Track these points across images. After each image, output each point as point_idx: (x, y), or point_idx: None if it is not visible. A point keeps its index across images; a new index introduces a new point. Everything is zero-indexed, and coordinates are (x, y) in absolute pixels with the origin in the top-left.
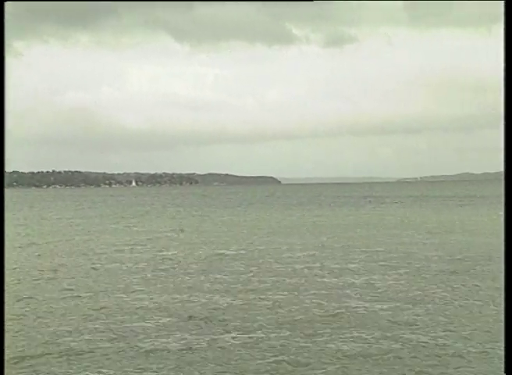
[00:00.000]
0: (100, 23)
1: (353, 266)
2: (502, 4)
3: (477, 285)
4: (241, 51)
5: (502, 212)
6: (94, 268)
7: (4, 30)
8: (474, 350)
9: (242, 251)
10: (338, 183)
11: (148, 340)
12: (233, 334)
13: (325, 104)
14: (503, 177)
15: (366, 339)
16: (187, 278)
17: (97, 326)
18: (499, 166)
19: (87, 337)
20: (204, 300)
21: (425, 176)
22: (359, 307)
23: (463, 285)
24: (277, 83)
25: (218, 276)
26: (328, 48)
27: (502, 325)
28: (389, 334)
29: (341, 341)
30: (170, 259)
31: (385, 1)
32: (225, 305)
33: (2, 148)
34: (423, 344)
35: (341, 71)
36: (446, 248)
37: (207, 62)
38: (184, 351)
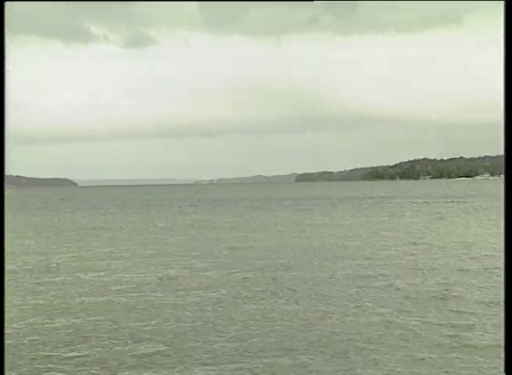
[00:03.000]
0: None
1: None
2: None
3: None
4: (36, 47)
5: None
6: None
7: (4, 30)
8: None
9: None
10: (136, 186)
11: None
12: None
13: (126, 105)
14: (293, 180)
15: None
16: None
17: None
18: (290, 168)
19: None
20: None
21: (222, 179)
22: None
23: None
24: (75, 83)
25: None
26: (127, 49)
27: (502, 325)
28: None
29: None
30: None
31: (181, 4)
32: None
33: (2, 148)
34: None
35: (141, 72)
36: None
37: None
38: None
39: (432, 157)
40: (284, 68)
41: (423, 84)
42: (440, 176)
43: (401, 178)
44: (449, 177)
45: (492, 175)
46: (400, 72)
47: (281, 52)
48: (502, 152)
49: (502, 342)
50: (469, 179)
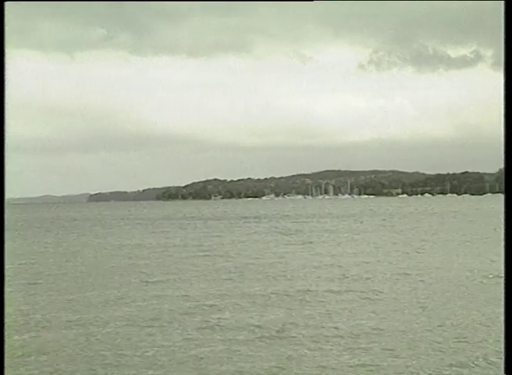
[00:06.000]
0: None
1: None
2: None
3: None
4: None
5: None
6: None
7: (4, 30)
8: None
9: None
10: None
11: None
12: None
13: None
14: (85, 200)
15: None
16: None
17: None
18: (82, 188)
19: None
20: None
21: (10, 198)
22: None
23: None
24: None
25: None
26: None
27: (502, 325)
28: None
29: None
30: None
31: None
32: None
33: (2, 147)
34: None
35: None
36: None
37: None
38: None
39: (222, 178)
40: (77, 86)
41: (213, 107)
42: (230, 196)
43: (194, 198)
44: (239, 197)
45: (276, 195)
46: (192, 94)
47: (74, 70)
48: (285, 174)
49: (502, 342)
50: (256, 199)
